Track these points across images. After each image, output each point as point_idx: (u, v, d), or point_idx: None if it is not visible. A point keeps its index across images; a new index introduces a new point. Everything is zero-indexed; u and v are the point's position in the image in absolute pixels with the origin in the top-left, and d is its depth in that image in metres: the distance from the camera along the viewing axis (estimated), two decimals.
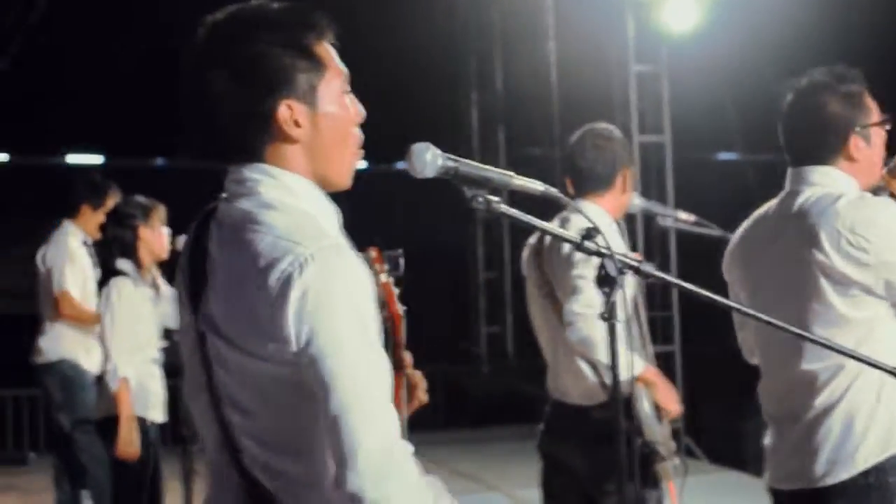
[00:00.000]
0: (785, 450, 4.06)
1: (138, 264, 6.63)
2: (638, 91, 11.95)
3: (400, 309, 2.88)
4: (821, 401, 3.93)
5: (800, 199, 4.01)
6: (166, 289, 6.84)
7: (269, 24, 2.54)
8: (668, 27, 11.59)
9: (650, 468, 5.05)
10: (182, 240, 6.26)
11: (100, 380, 6.62)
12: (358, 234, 2.64)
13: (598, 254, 2.79)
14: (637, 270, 2.84)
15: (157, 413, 6.69)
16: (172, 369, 6.82)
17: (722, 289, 2.97)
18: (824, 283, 3.89)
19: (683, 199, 8.99)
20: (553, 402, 5.34)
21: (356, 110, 2.65)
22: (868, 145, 4.04)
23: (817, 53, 4.47)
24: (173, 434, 9.33)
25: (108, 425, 6.49)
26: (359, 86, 2.67)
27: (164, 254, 6.74)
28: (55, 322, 8.07)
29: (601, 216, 5.06)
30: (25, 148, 16.72)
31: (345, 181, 2.65)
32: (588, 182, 5.23)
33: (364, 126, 2.68)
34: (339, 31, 2.64)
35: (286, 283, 2.38)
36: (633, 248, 5.84)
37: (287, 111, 2.53)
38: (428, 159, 2.66)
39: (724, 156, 18.00)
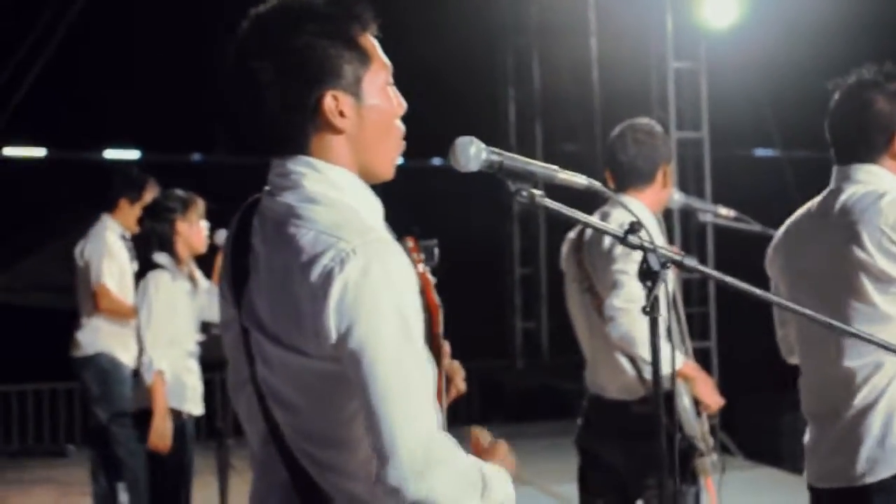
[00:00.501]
0: (825, 448, 4.04)
1: (176, 258, 6.63)
2: (676, 87, 11.89)
3: (437, 299, 2.88)
4: (860, 398, 3.91)
5: (843, 197, 4.00)
6: (204, 282, 6.86)
7: (314, 16, 2.54)
8: (707, 23, 11.54)
9: (689, 464, 5.04)
10: (222, 234, 6.34)
11: (136, 373, 6.63)
12: (393, 229, 2.64)
13: (642, 248, 2.77)
14: (680, 265, 2.84)
15: (194, 406, 6.69)
16: (208, 363, 6.85)
17: (759, 285, 2.95)
18: (865, 281, 3.88)
19: (721, 196, 8.93)
20: (591, 397, 5.33)
21: (399, 102, 2.65)
22: None
23: (856, 50, 4.44)
24: (208, 428, 9.39)
25: (142, 417, 6.51)
26: (396, 81, 2.66)
27: (203, 247, 6.75)
28: (92, 316, 8.09)
29: (642, 211, 5.03)
30: (63, 143, 16.81)
31: (388, 172, 2.65)
32: (629, 177, 5.22)
33: (401, 121, 2.68)
34: (380, 21, 2.64)
35: (327, 278, 2.38)
36: (671, 244, 5.82)
37: (333, 102, 2.53)
38: (472, 153, 2.66)
39: (762, 152, 17.93)
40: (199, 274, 6.89)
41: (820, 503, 4.11)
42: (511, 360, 15.76)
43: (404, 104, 2.66)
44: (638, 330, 4.79)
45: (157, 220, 6.68)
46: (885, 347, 3.21)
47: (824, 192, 4.12)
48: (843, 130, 4.08)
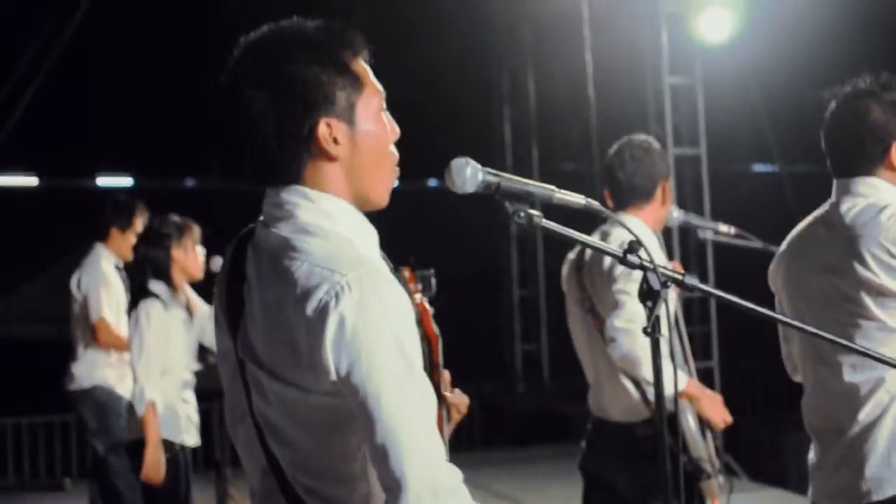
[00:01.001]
0: (829, 465, 4.01)
1: (171, 285, 6.59)
2: (673, 103, 11.90)
3: (436, 329, 2.85)
4: (864, 415, 3.88)
5: (843, 210, 3.97)
6: (204, 306, 6.80)
7: (305, 43, 2.52)
8: (703, 38, 11.53)
9: (695, 486, 4.99)
10: (217, 260, 6.28)
11: (131, 404, 6.57)
12: (389, 253, 2.64)
13: (642, 267, 2.74)
14: (681, 283, 2.81)
15: (189, 437, 6.63)
16: (206, 392, 6.78)
17: (760, 302, 2.91)
18: (866, 296, 3.85)
19: (720, 212, 8.92)
20: (594, 420, 5.30)
21: (392, 128, 2.63)
22: None
23: (853, 64, 4.40)
24: (206, 458, 9.33)
25: (136, 448, 6.46)
26: (389, 103, 2.64)
27: (199, 274, 6.72)
28: (89, 348, 8.05)
29: (641, 229, 5.01)
30: (56, 171, 16.82)
31: (383, 200, 2.63)
32: (628, 195, 5.20)
33: (395, 143, 2.66)
34: (372, 47, 2.63)
35: (323, 312, 2.36)
36: (671, 260, 5.79)
37: (327, 129, 2.51)
38: (468, 174, 2.63)
39: (760, 167, 17.94)
40: (198, 300, 6.84)
41: None
42: (511, 383, 15.70)
43: (398, 130, 2.64)
44: (639, 350, 4.76)
45: (152, 247, 6.65)
46: (886, 362, 3.17)
47: (825, 206, 4.09)
48: (839, 140, 4.05)
